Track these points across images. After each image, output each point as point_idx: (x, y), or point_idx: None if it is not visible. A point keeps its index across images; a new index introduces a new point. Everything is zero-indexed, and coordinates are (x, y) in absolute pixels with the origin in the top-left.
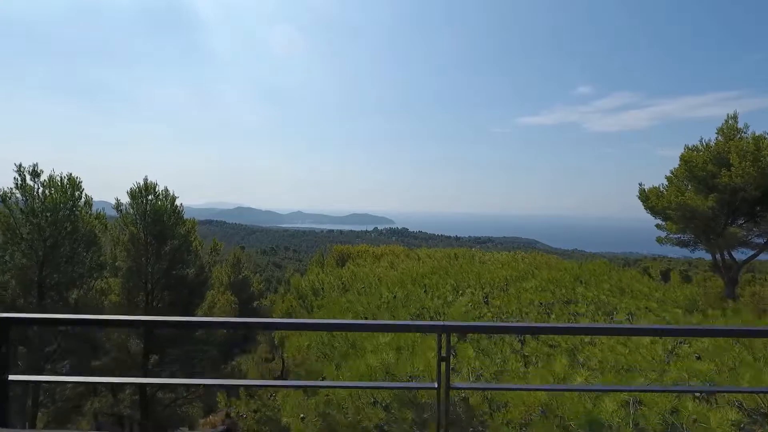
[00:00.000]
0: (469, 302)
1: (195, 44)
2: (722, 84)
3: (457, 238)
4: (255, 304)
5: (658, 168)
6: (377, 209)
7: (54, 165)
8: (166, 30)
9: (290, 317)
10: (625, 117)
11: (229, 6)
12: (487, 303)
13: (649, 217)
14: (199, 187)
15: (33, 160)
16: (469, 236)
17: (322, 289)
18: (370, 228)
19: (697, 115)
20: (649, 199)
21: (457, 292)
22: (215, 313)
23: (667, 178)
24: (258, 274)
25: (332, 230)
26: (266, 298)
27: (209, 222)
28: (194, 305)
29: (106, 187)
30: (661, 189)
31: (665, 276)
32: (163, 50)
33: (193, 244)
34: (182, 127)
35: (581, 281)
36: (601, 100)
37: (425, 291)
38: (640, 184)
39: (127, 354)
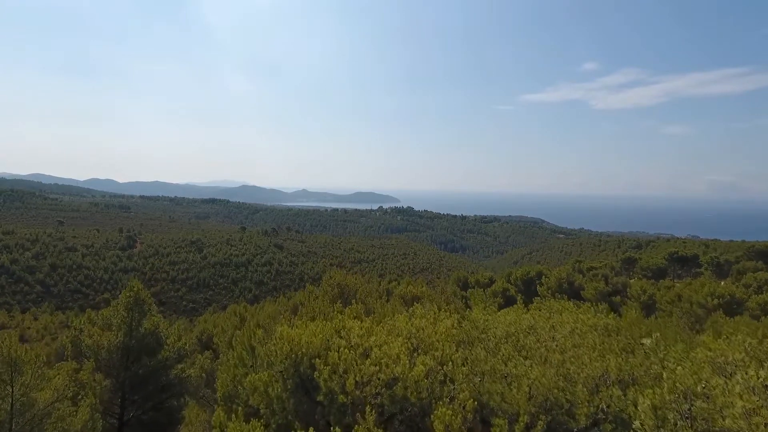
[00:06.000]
0: None
1: (195, 22)
2: (731, 60)
3: (462, 217)
4: (172, 374)
5: (665, 146)
6: (382, 188)
7: (46, 145)
8: (166, 8)
9: None
10: (632, 94)
11: None
12: None
13: (654, 194)
14: (204, 165)
15: (21, 140)
16: (475, 215)
17: None
18: (375, 207)
19: (705, 92)
20: None
21: None
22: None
23: None
24: (176, 318)
25: (337, 209)
26: (187, 361)
27: (213, 201)
28: None
29: (105, 166)
30: None
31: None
32: (162, 28)
33: None
34: (186, 105)
35: None
36: (607, 76)
37: None
38: None
39: None
